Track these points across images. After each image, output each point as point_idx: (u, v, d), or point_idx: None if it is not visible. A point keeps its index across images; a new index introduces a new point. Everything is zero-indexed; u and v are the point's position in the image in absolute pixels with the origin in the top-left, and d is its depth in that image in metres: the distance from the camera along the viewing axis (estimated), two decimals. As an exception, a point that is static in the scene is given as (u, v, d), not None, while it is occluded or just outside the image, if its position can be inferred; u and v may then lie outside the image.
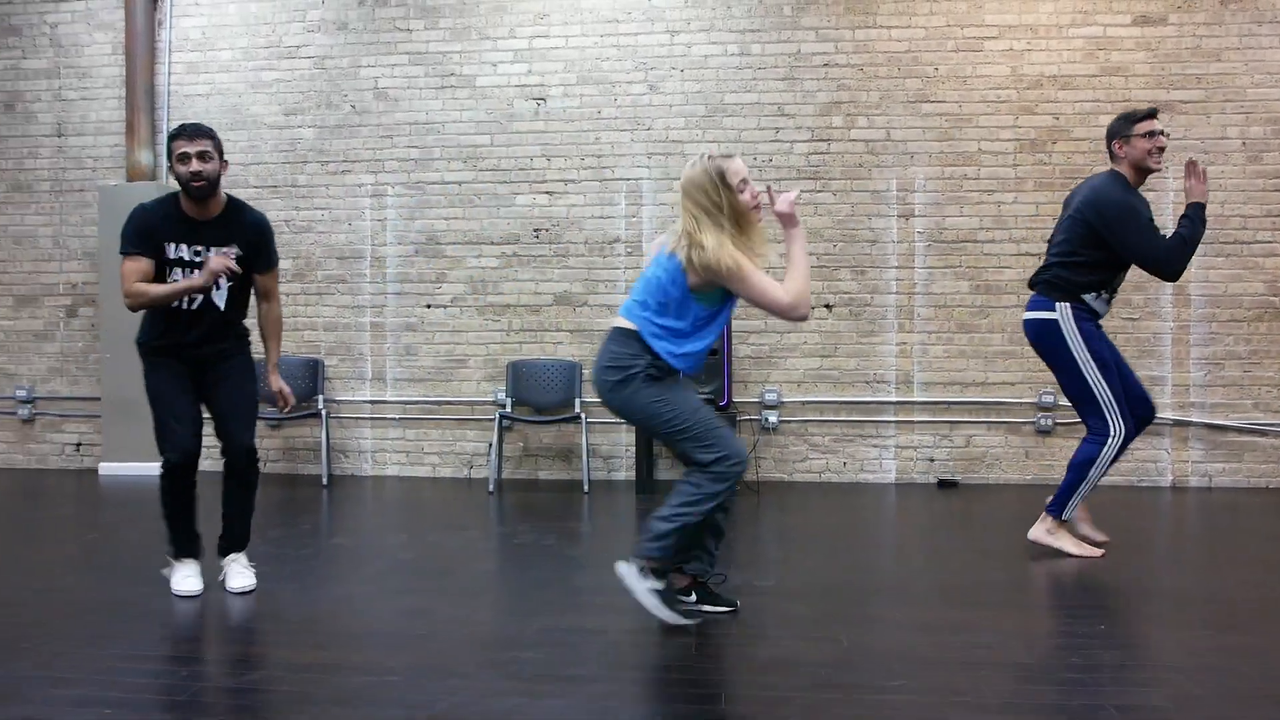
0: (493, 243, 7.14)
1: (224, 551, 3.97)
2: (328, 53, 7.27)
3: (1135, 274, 4.62)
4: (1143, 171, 4.41)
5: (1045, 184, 6.70)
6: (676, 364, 3.38)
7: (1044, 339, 4.50)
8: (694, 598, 3.57)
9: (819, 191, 6.85)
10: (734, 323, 6.62)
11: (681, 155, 6.71)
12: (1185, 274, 6.43)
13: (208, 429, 3.89)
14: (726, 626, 3.47)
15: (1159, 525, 5.67)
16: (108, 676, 2.92)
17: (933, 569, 4.37)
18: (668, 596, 3.39)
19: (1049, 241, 4.63)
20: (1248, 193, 6.57)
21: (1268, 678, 2.90)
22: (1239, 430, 6.62)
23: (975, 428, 6.80)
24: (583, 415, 6.80)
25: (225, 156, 3.83)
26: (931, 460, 6.84)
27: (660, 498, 6.23)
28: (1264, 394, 6.60)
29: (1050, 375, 6.51)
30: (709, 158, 3.34)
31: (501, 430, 6.86)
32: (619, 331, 3.41)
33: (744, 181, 3.32)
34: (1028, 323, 4.58)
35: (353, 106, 7.25)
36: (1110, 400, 4.37)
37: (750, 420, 6.85)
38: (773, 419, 6.87)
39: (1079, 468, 4.43)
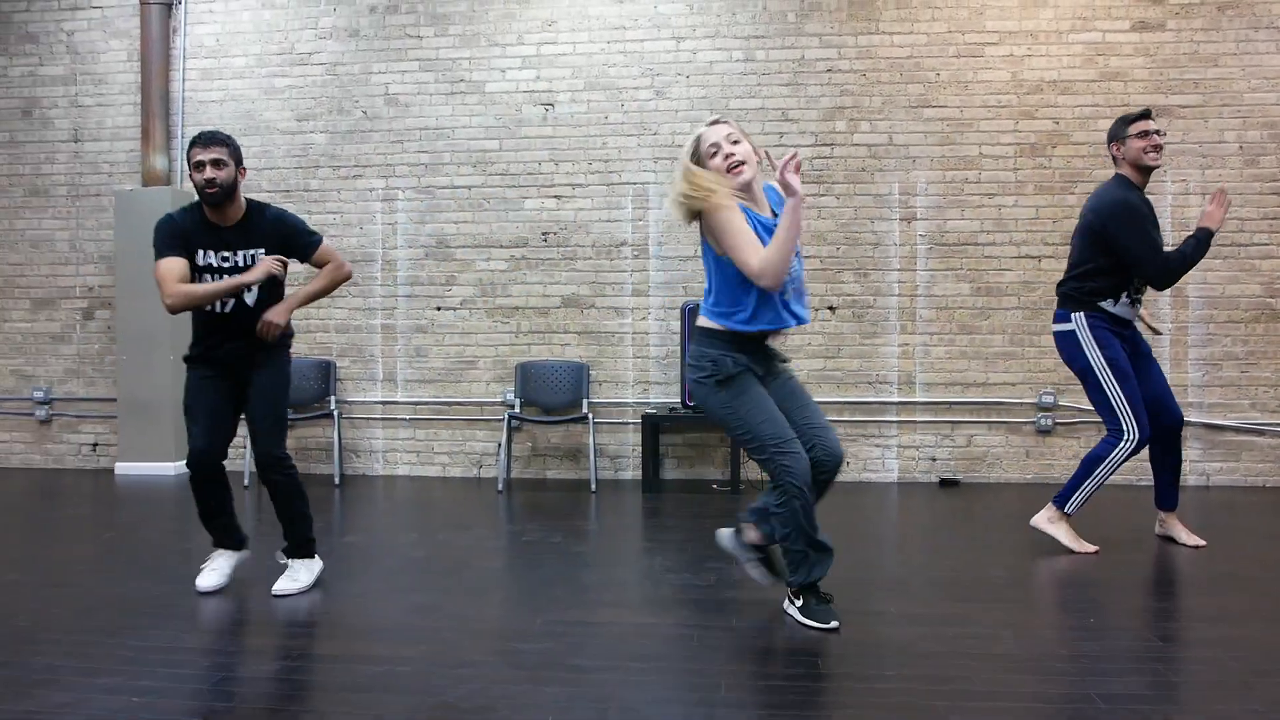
0: (501, 246, 7.26)
1: (285, 553, 4.08)
2: (339, 59, 7.40)
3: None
4: (1143, 170, 4.51)
5: (1045, 188, 6.80)
6: (753, 328, 3.39)
7: (1065, 349, 4.65)
8: (755, 556, 3.73)
9: (822, 195, 6.96)
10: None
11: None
12: (1183, 276, 6.59)
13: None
14: (726, 620, 3.59)
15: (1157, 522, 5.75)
16: (133, 666, 3.06)
17: (932, 565, 4.48)
18: (810, 610, 3.47)
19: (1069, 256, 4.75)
20: (1245, 196, 6.66)
21: (1249, 668, 3.00)
22: (1236, 430, 6.71)
23: (976, 428, 6.90)
24: (590, 416, 6.91)
25: (243, 163, 3.91)
26: (933, 460, 6.94)
27: (666, 496, 6.40)
28: (1261, 394, 6.69)
29: (1050, 376, 6.72)
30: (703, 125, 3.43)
31: (510, 430, 6.99)
32: (695, 330, 3.55)
33: (714, 146, 3.34)
34: (1053, 335, 4.74)
35: (364, 112, 7.38)
36: (1124, 405, 4.46)
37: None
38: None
39: (1089, 464, 4.56)
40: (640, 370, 7.15)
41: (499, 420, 7.08)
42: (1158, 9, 6.74)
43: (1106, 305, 4.51)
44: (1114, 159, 4.58)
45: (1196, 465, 6.72)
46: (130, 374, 7.30)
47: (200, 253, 3.83)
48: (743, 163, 3.33)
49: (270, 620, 3.67)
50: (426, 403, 7.35)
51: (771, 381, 3.52)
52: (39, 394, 7.73)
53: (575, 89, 7.20)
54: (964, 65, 6.89)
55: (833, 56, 6.98)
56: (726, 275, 3.37)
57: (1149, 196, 4.58)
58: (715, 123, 3.42)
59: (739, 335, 3.41)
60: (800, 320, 3.48)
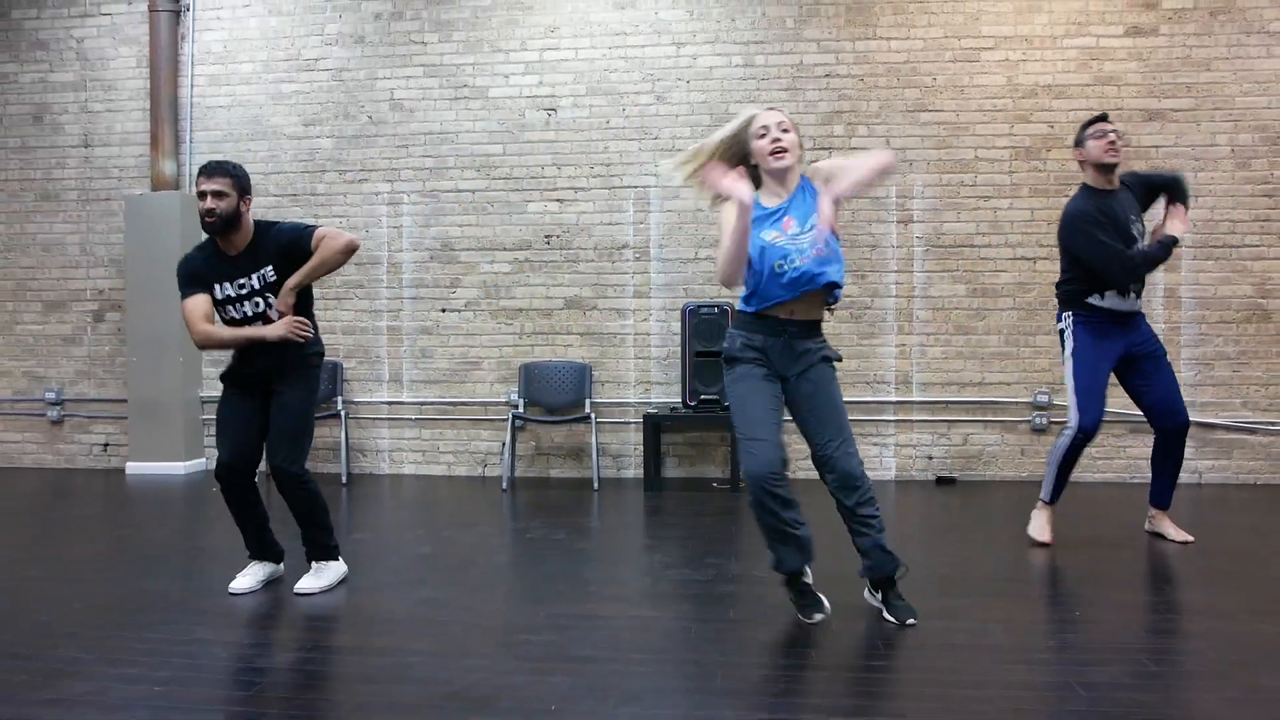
0: (505, 249, 7.37)
1: (306, 556, 4.15)
2: (345, 65, 7.52)
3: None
4: (1103, 168, 4.59)
5: (1040, 190, 6.90)
6: (750, 308, 3.46)
7: (1062, 348, 4.80)
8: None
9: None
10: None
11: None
12: (1176, 277, 6.73)
13: None
14: (723, 612, 3.70)
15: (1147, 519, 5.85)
16: (152, 658, 3.17)
17: (927, 561, 4.56)
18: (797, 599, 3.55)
19: None
20: (1236, 198, 6.76)
21: (1229, 659, 3.11)
22: (1228, 428, 6.81)
23: (972, 426, 7.01)
24: (592, 415, 7.02)
25: (250, 192, 3.93)
26: (930, 458, 7.04)
27: (667, 495, 6.50)
28: (1252, 393, 6.79)
29: (1045, 376, 6.84)
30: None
31: (514, 430, 7.10)
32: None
33: (764, 128, 3.43)
34: None
35: (370, 117, 7.49)
36: (1074, 394, 4.64)
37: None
38: (776, 419, 7.07)
39: (1050, 454, 4.81)
40: (642, 370, 7.26)
41: (503, 420, 7.20)
42: (1151, 14, 6.84)
43: (1095, 300, 4.62)
44: (1080, 165, 4.72)
45: (1189, 463, 6.78)
46: (140, 375, 7.42)
47: (217, 286, 3.94)
48: (786, 150, 3.41)
49: (284, 614, 3.78)
50: (432, 403, 7.46)
51: (796, 382, 3.48)
52: (50, 395, 7.85)
53: (577, 94, 7.31)
54: (960, 70, 6.99)
55: (830, 62, 7.09)
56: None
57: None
58: (771, 109, 3.51)
59: (744, 316, 3.52)
60: (780, 298, 3.40)
